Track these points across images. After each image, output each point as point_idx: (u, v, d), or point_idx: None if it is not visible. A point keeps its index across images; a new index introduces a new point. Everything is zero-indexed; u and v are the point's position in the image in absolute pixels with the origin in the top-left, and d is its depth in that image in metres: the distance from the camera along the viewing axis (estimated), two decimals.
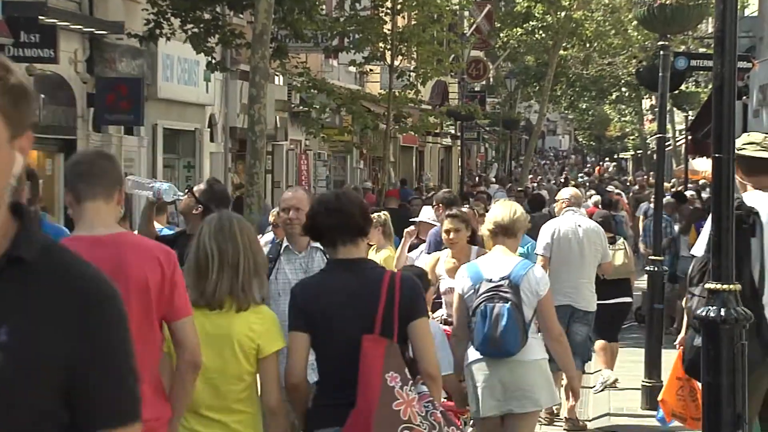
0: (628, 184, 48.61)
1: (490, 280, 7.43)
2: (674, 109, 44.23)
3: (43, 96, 18.65)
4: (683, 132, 43.86)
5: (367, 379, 5.15)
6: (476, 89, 48.17)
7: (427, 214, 12.02)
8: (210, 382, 5.24)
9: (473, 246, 9.37)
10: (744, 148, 6.83)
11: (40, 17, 17.24)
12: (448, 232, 9.30)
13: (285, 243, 7.49)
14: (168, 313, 4.90)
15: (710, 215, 6.25)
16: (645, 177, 48.25)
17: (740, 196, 6.66)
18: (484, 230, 7.91)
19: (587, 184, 45.74)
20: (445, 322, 8.67)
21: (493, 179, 46.43)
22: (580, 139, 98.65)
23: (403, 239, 11.59)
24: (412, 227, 11.68)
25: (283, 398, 5.50)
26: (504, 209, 7.83)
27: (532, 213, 16.56)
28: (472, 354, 7.46)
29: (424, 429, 5.16)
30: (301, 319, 5.36)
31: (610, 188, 35.13)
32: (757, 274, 6.47)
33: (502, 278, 7.42)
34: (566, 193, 12.87)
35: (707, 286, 5.97)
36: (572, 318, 11.40)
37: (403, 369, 5.25)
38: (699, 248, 6.77)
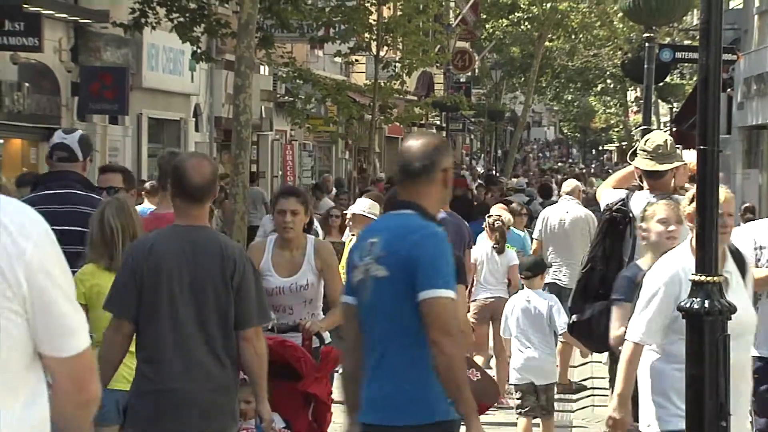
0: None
1: None
2: (659, 101, 44.33)
3: (27, 85, 18.59)
4: (668, 124, 43.93)
5: None
6: (462, 80, 48.16)
7: (360, 205, 11.53)
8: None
9: (309, 235, 7.52)
10: (637, 154, 7.58)
11: (25, 5, 17.16)
12: (283, 213, 7.31)
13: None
14: None
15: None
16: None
17: (624, 197, 7.49)
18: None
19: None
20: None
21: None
22: (565, 131, 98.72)
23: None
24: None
25: None
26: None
27: (543, 201, 17.65)
28: None
29: None
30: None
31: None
32: (625, 266, 7.22)
33: None
34: (566, 185, 14.58)
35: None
36: (560, 296, 11.76)
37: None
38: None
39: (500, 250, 12.27)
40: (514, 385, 9.61)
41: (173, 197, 5.89)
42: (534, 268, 9.89)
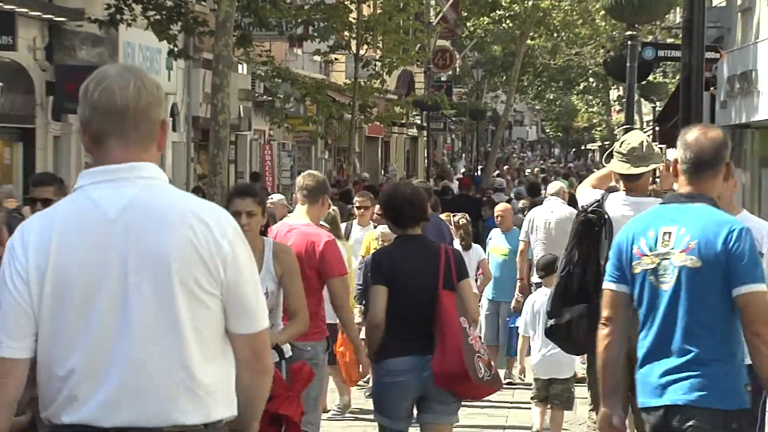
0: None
1: None
2: (642, 99, 44.29)
3: (1, 84, 18.37)
4: (651, 123, 43.92)
5: (450, 322, 6.84)
6: (442, 79, 48.05)
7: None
8: None
9: (266, 238, 6.92)
10: (611, 156, 7.50)
11: None
12: (238, 214, 6.47)
13: None
14: None
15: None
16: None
17: (599, 198, 7.38)
18: None
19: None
20: None
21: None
22: (547, 130, 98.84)
23: None
24: None
25: None
26: None
27: (533, 199, 18.85)
28: None
29: (484, 356, 6.96)
30: (382, 277, 6.97)
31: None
32: (603, 269, 7.11)
33: None
34: (551, 186, 14.88)
35: None
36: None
37: (466, 314, 6.96)
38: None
39: (466, 247, 12.84)
40: (534, 379, 10.18)
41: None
42: (546, 268, 10.36)
